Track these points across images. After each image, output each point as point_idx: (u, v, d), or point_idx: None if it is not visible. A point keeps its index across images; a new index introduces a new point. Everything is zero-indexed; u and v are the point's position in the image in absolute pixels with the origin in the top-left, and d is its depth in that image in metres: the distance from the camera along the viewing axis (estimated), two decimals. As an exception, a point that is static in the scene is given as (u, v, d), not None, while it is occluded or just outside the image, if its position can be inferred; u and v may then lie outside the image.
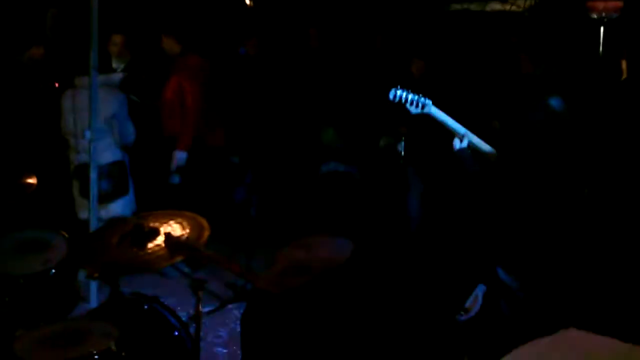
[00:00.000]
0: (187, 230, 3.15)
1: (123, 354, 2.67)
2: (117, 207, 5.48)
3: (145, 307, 3.30)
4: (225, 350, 4.56)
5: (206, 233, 3.11)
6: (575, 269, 3.23)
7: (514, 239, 3.28)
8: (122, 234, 3.11)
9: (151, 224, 3.13)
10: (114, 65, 5.97)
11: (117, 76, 5.73)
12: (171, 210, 3.33)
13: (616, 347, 1.57)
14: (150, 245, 3.03)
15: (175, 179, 5.72)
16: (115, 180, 5.51)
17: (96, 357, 2.56)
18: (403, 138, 5.45)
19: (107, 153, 5.38)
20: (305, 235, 2.53)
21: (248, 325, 2.28)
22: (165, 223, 3.15)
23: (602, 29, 5.08)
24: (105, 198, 5.29)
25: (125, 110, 5.57)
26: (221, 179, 6.21)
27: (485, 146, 3.55)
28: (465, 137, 3.47)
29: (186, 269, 5.46)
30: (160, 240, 3.03)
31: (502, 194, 3.33)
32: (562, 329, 1.64)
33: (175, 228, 3.13)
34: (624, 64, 4.97)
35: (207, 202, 6.06)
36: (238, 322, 5.26)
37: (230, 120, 6.18)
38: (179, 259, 3.06)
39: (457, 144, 3.48)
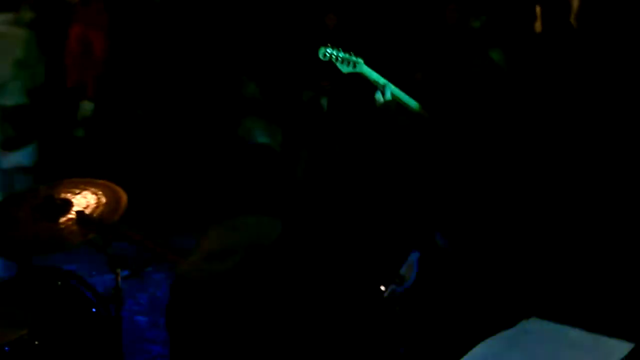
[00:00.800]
0: (103, 202, 2.91)
1: (36, 342, 2.43)
2: (20, 157, 5.13)
3: (59, 283, 3.06)
4: (146, 318, 4.35)
5: (123, 204, 2.89)
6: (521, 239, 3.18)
7: (452, 201, 3.20)
8: (31, 206, 2.84)
9: (63, 195, 2.87)
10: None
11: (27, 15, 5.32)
12: (85, 179, 3.06)
13: (581, 338, 1.48)
14: (62, 219, 2.78)
15: (80, 132, 5.42)
16: (20, 126, 5.16)
17: (6, 349, 2.32)
18: (326, 92, 5.31)
19: (14, 96, 5.01)
20: (229, 216, 2.31)
21: (173, 315, 2.08)
22: (78, 193, 2.89)
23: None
24: (7, 145, 4.95)
25: (36, 52, 5.19)
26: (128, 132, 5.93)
27: (412, 102, 3.45)
28: (387, 89, 3.36)
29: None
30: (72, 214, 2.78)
31: (435, 151, 3.24)
32: (523, 319, 1.54)
33: (89, 199, 2.89)
34: (538, 10, 4.92)
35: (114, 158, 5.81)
36: (158, 287, 5.09)
37: (137, 71, 5.88)
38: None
39: (380, 97, 3.37)
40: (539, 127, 3.52)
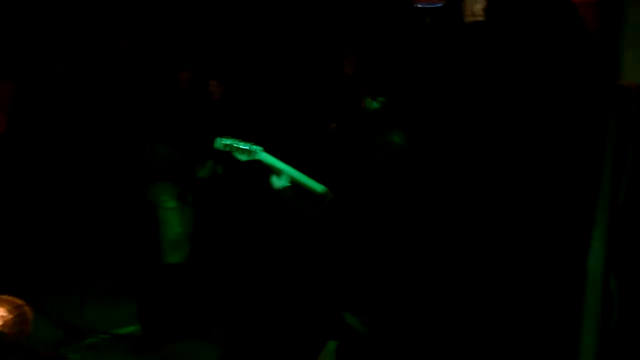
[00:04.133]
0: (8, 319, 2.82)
1: None
2: None
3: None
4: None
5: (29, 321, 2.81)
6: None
7: (359, 280, 3.24)
8: None
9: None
10: None
11: None
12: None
13: None
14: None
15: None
16: None
17: None
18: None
19: None
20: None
21: None
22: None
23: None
24: None
25: None
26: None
27: (315, 184, 3.49)
28: (284, 174, 3.40)
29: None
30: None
31: (344, 234, 3.28)
32: None
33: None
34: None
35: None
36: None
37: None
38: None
39: (276, 181, 3.40)
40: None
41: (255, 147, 3.43)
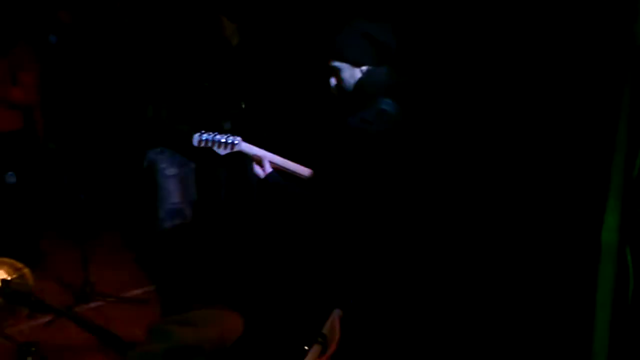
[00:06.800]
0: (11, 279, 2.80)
1: None
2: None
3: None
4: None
5: (30, 279, 2.79)
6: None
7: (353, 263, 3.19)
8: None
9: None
10: None
11: None
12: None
13: None
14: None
15: (12, 179, 5.22)
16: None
17: None
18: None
19: None
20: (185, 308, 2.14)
21: None
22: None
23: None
24: None
25: None
26: (46, 167, 5.76)
27: (302, 170, 3.40)
28: (265, 161, 3.30)
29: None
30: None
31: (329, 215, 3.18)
32: None
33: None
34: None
35: (40, 195, 5.65)
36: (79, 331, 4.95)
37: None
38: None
39: (258, 170, 3.32)
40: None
41: (233, 138, 3.32)
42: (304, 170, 3.35)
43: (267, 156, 3.30)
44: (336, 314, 3.09)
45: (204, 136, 3.32)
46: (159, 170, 5.53)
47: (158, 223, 5.50)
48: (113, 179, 6.44)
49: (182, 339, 2.00)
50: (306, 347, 3.04)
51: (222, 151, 3.33)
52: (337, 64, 3.20)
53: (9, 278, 2.78)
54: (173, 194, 5.57)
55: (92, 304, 5.09)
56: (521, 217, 3.44)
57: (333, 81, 3.23)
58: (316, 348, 3.00)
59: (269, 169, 3.26)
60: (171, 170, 5.57)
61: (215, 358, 1.99)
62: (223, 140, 3.31)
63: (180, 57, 5.67)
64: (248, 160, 3.34)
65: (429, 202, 3.28)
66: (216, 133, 3.32)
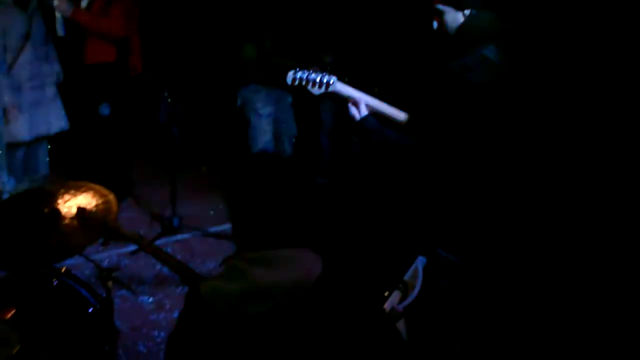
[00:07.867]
0: (96, 204, 2.84)
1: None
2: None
3: (55, 282, 2.99)
4: (150, 299, 4.30)
5: (114, 206, 2.82)
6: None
7: (451, 218, 3.07)
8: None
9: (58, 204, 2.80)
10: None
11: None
12: (75, 182, 2.99)
13: None
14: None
15: (105, 110, 5.31)
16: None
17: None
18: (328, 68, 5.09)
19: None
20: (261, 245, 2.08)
21: (182, 341, 1.94)
22: (71, 199, 2.81)
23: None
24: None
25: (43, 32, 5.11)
26: (142, 99, 5.83)
27: (396, 112, 3.24)
28: (361, 103, 3.16)
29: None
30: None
31: (431, 168, 3.05)
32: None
33: (84, 203, 2.82)
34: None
35: (133, 127, 5.74)
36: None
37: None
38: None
39: (354, 112, 3.17)
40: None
41: (329, 78, 3.19)
42: (400, 115, 3.20)
43: (363, 98, 3.18)
44: (420, 262, 3.00)
45: (299, 74, 3.21)
46: (254, 109, 5.49)
47: (249, 161, 5.50)
48: (206, 116, 6.48)
49: (257, 279, 1.93)
50: (386, 293, 2.98)
51: (316, 90, 3.22)
52: (440, 6, 3.11)
53: (93, 203, 2.81)
54: (266, 133, 5.53)
55: (179, 236, 5.18)
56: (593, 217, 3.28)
57: (435, 24, 3.14)
58: (396, 295, 2.93)
59: (364, 112, 3.13)
60: (266, 110, 5.51)
61: (291, 300, 1.92)
62: (318, 79, 3.20)
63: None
64: (344, 101, 3.22)
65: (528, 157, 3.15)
66: (311, 71, 3.21)
